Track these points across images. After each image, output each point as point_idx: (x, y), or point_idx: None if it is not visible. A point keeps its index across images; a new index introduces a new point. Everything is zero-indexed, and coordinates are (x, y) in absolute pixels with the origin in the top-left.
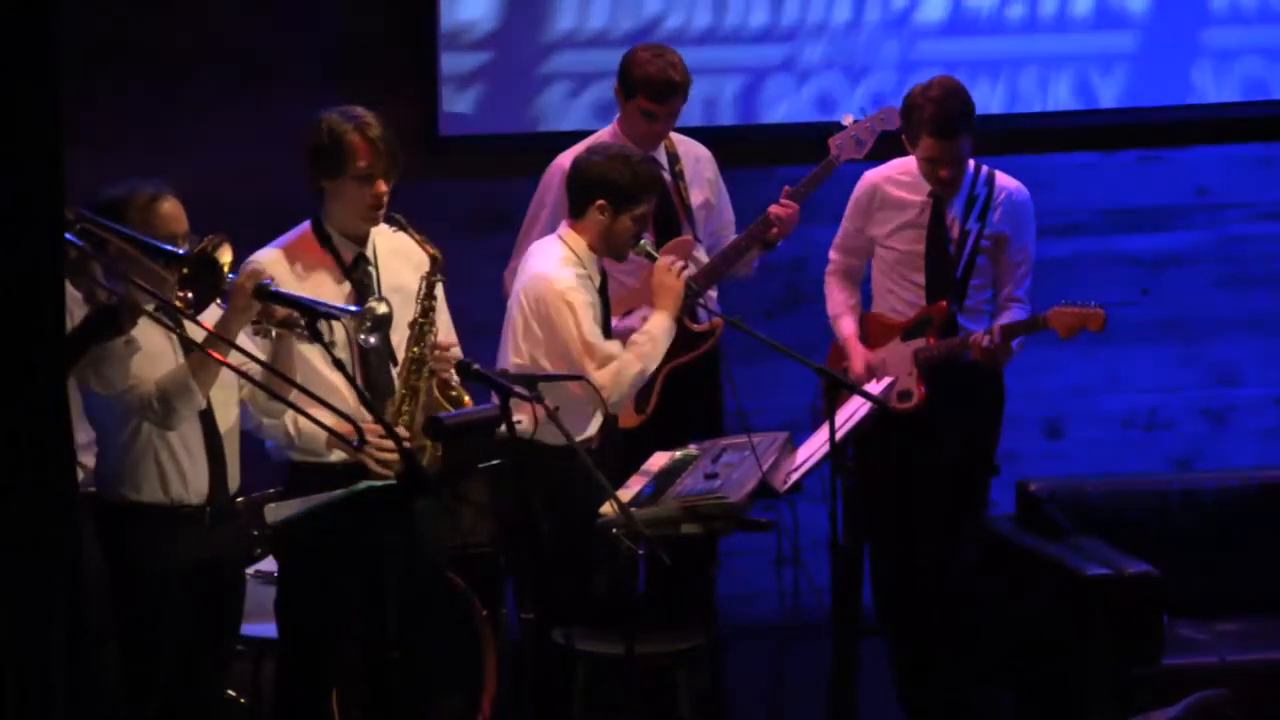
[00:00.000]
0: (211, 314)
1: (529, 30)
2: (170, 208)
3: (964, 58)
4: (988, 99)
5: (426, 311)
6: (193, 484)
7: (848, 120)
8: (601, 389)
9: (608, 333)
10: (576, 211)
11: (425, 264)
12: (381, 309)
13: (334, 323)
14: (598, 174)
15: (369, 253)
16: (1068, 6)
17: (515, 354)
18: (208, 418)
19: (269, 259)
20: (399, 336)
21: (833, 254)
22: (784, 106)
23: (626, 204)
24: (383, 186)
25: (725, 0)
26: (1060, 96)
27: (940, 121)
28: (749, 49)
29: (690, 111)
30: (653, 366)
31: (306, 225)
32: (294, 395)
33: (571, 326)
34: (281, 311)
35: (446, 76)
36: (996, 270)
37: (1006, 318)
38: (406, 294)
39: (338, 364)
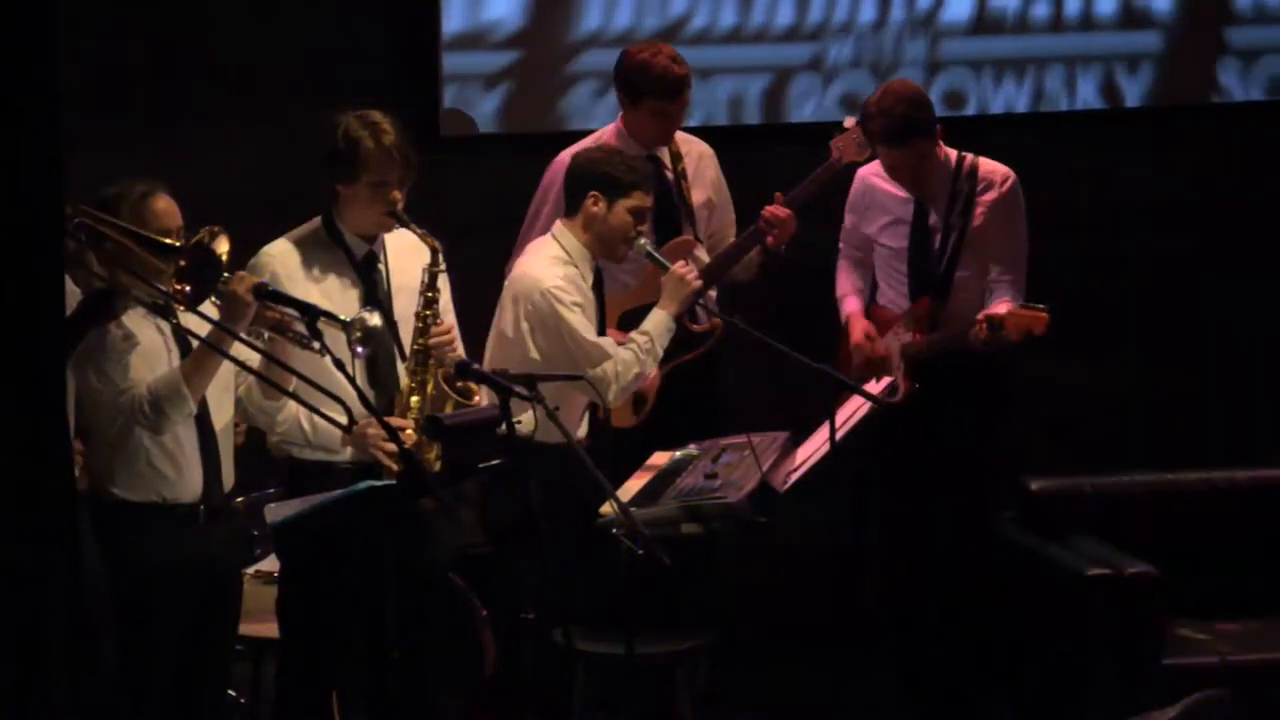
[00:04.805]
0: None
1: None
2: (164, 204)
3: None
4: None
5: (429, 304)
6: (186, 483)
7: (849, 123)
8: (596, 384)
9: (602, 330)
10: (571, 208)
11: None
12: (373, 320)
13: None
14: (590, 167)
15: (379, 251)
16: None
17: (501, 351)
18: (202, 416)
19: (280, 250)
20: (407, 330)
21: (840, 243)
22: (810, 106)
23: (620, 194)
24: (397, 194)
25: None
26: (1062, 96)
27: (888, 132)
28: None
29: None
30: (652, 365)
31: (318, 221)
32: (295, 386)
33: (562, 325)
34: (274, 314)
35: (459, 76)
36: (986, 255)
37: (995, 300)
38: (415, 291)
39: (337, 364)
